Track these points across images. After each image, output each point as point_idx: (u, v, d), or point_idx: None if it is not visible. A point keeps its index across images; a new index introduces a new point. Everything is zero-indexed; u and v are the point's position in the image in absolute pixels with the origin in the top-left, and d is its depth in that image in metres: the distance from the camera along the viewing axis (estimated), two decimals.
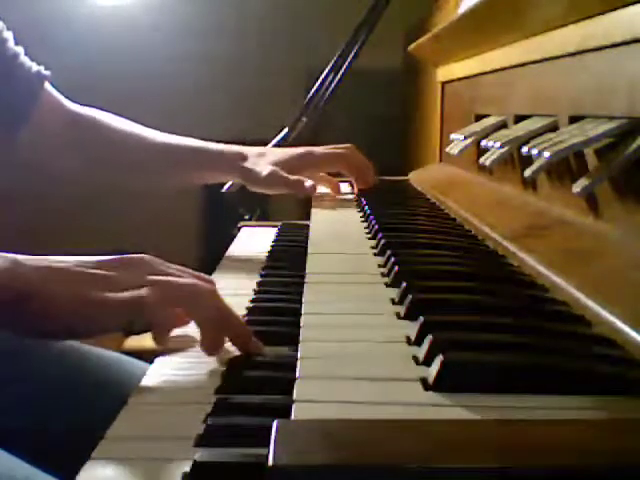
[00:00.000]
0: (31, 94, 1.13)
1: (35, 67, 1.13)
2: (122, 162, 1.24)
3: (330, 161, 1.32)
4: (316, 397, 0.47)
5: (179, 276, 0.65)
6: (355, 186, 1.35)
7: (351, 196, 1.35)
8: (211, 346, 0.61)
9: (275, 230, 1.19)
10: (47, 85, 1.16)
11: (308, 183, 1.22)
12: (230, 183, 1.43)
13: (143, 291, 0.60)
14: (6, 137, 1.13)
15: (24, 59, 1.12)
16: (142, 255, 0.66)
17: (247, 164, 1.22)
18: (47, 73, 1.15)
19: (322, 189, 1.37)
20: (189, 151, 1.24)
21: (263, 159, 1.24)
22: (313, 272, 0.79)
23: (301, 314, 0.64)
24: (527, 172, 0.82)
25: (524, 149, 0.81)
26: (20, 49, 1.12)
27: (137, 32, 2.80)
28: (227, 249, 1.12)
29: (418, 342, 0.55)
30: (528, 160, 0.83)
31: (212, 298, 0.63)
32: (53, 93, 1.17)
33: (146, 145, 1.22)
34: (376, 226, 0.98)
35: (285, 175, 1.22)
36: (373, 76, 2.64)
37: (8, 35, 1.10)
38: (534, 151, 0.78)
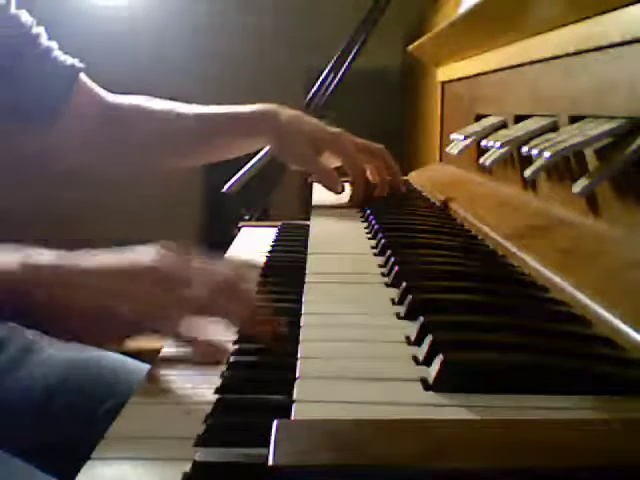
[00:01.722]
0: (65, 88, 1.13)
1: (69, 60, 1.13)
2: (160, 146, 1.24)
3: (365, 150, 1.25)
4: (316, 397, 0.47)
5: (198, 275, 0.64)
6: (382, 188, 1.26)
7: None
8: (252, 333, 0.63)
9: (275, 230, 1.19)
10: (82, 77, 1.16)
11: (339, 184, 1.21)
12: (235, 179, 1.42)
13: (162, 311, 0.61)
14: (41, 130, 1.13)
15: (57, 53, 1.12)
16: (158, 265, 0.64)
17: (283, 127, 1.19)
18: (81, 65, 1.15)
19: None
20: (221, 118, 1.22)
21: (298, 128, 1.20)
22: (313, 272, 0.79)
23: (301, 314, 0.64)
24: (527, 172, 0.82)
25: (524, 149, 0.81)
26: (53, 44, 1.12)
27: (136, 33, 2.80)
28: (227, 249, 1.12)
29: (418, 342, 0.55)
30: (528, 160, 0.83)
31: (225, 299, 0.64)
32: (88, 84, 1.17)
33: (179, 124, 1.21)
34: (376, 226, 0.98)
35: (319, 162, 1.19)
36: (373, 76, 2.64)
37: (40, 30, 1.10)
38: (534, 151, 0.78)
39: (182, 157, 1.30)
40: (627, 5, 0.69)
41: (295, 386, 0.48)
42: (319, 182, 1.23)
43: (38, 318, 0.61)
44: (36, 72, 1.09)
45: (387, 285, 0.73)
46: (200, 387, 0.56)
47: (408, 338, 0.57)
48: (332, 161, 1.24)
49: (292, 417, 0.44)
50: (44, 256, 0.63)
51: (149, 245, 0.66)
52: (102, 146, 1.21)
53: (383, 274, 0.77)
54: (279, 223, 1.24)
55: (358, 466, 0.33)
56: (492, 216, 0.97)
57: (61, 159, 1.21)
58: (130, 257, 0.65)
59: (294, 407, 0.45)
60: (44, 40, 1.10)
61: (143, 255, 0.65)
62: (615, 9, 0.71)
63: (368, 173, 1.26)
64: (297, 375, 0.50)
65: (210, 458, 0.42)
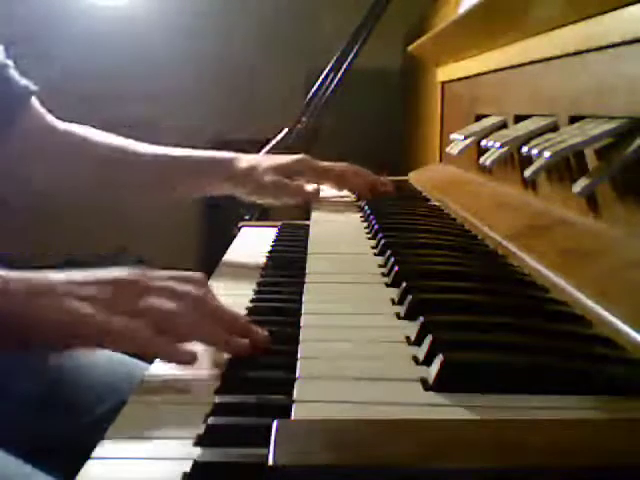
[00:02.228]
0: (17, 106, 1.13)
1: (23, 81, 1.13)
2: (109, 178, 1.23)
3: (327, 170, 1.29)
4: (316, 397, 0.47)
5: (170, 290, 0.62)
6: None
7: (351, 198, 1.34)
8: (229, 350, 0.60)
9: (275, 230, 1.19)
10: (34, 100, 1.16)
11: (311, 188, 1.22)
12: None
13: (132, 323, 0.58)
14: None
15: (13, 72, 1.12)
16: (130, 276, 0.63)
17: (242, 171, 1.20)
18: (35, 88, 1.14)
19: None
20: (178, 161, 1.21)
21: (259, 166, 1.21)
22: (313, 272, 0.79)
23: (301, 314, 0.64)
24: (527, 172, 0.82)
25: (524, 149, 0.81)
26: (9, 62, 1.11)
27: (136, 33, 2.80)
28: (227, 249, 1.12)
29: (418, 342, 0.55)
30: (528, 160, 0.83)
31: (198, 317, 0.61)
32: (39, 109, 1.17)
33: (133, 159, 1.20)
34: (376, 226, 0.98)
35: (287, 182, 1.21)
36: (373, 76, 2.64)
37: None
38: (534, 151, 0.78)
39: (137, 194, 1.28)
40: (627, 5, 0.69)
41: (295, 386, 0.48)
42: (301, 202, 1.25)
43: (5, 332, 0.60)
44: None
45: (387, 285, 0.73)
46: (200, 387, 0.56)
47: (408, 338, 0.57)
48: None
49: (292, 417, 0.44)
50: (12, 273, 0.61)
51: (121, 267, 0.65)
52: (59, 166, 1.20)
53: (383, 274, 0.77)
54: (279, 223, 1.24)
55: (358, 466, 0.33)
56: (492, 216, 0.97)
57: (24, 178, 1.21)
58: (100, 272, 0.63)
59: (294, 407, 0.45)
60: (1, 57, 1.10)
61: (114, 271, 0.64)
62: (615, 9, 0.71)
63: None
64: (297, 375, 0.50)
65: (210, 458, 0.42)
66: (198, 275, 0.66)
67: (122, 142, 1.22)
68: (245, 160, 1.22)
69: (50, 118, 1.19)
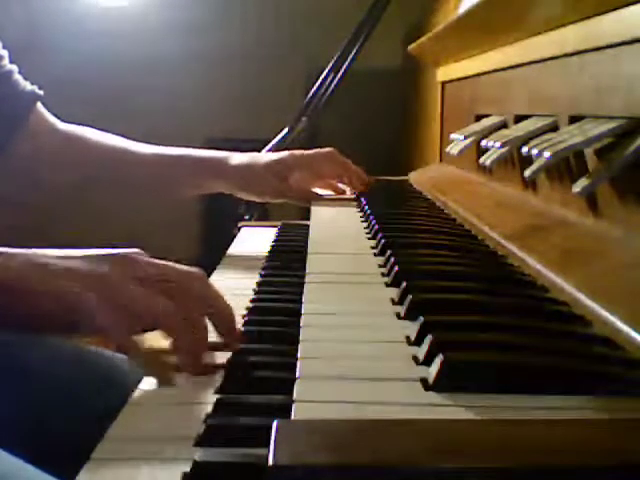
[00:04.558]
0: (24, 111, 1.14)
1: (29, 86, 1.14)
2: (108, 178, 1.24)
3: (319, 160, 1.30)
4: (316, 397, 0.47)
5: (163, 275, 0.62)
6: (350, 187, 1.34)
7: (351, 196, 1.35)
8: (190, 368, 0.59)
9: (275, 230, 1.19)
10: (39, 105, 1.16)
11: (308, 190, 1.25)
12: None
13: (92, 294, 0.58)
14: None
15: (18, 77, 1.13)
16: (127, 253, 0.63)
17: (233, 168, 1.21)
18: (40, 93, 1.15)
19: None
20: (176, 161, 1.22)
21: (251, 164, 1.22)
22: (313, 272, 0.79)
23: (301, 314, 0.64)
24: (527, 172, 0.82)
25: (524, 149, 0.81)
26: (14, 67, 1.12)
27: (137, 33, 2.80)
28: (227, 249, 1.12)
29: (418, 342, 0.55)
30: (528, 160, 0.83)
31: (179, 316, 0.60)
32: (45, 112, 1.18)
33: (132, 160, 1.22)
34: (376, 226, 0.98)
35: (284, 187, 1.22)
36: (373, 76, 2.64)
37: (3, 53, 1.11)
38: (534, 151, 0.78)
39: (136, 194, 1.31)
40: (627, 5, 0.69)
41: (295, 386, 0.48)
42: (297, 203, 1.28)
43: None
44: None
45: (387, 285, 0.73)
46: (200, 387, 0.56)
47: (408, 338, 0.57)
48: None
49: (292, 417, 0.44)
50: (12, 249, 0.63)
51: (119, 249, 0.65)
52: (68, 167, 1.22)
53: (383, 274, 0.77)
54: (279, 223, 1.24)
55: (358, 466, 0.33)
56: (492, 216, 0.97)
57: (35, 180, 1.22)
58: (99, 250, 0.64)
59: (294, 407, 0.45)
60: (6, 62, 1.11)
61: (114, 250, 0.64)
62: (615, 9, 0.71)
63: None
64: (297, 375, 0.50)
65: (210, 458, 0.42)
66: (197, 271, 0.65)
67: (121, 142, 1.23)
68: (237, 158, 1.23)
69: (52, 120, 1.20)
